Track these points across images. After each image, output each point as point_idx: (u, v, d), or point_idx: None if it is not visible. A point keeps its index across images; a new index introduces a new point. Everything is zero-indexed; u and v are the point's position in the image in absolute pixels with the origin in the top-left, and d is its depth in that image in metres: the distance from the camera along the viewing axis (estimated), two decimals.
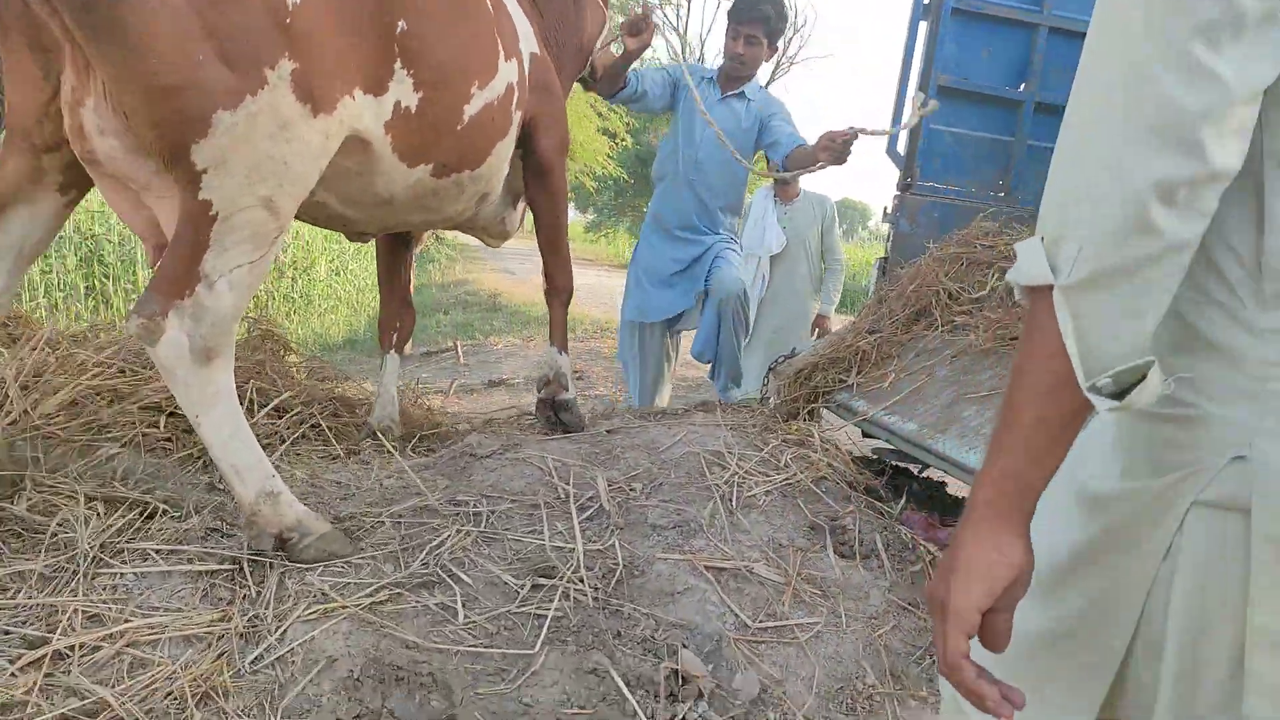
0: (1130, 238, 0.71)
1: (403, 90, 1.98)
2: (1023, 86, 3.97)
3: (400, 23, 1.90)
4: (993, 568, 0.79)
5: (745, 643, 1.87)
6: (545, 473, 2.42)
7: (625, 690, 1.71)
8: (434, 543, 2.10)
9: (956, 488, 2.98)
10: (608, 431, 2.79)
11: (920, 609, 2.02)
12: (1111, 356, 0.73)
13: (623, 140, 21.06)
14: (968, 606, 0.79)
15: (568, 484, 2.36)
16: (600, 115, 19.95)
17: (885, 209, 4.04)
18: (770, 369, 3.65)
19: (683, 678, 1.76)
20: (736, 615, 1.94)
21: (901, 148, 3.99)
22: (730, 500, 2.35)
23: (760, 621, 1.93)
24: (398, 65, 1.94)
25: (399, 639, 1.80)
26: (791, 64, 20.11)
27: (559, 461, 2.48)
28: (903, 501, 2.52)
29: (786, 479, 2.49)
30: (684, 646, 1.84)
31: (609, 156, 21.69)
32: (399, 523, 2.19)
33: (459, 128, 2.21)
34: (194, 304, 1.66)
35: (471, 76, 2.19)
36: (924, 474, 2.97)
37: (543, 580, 1.99)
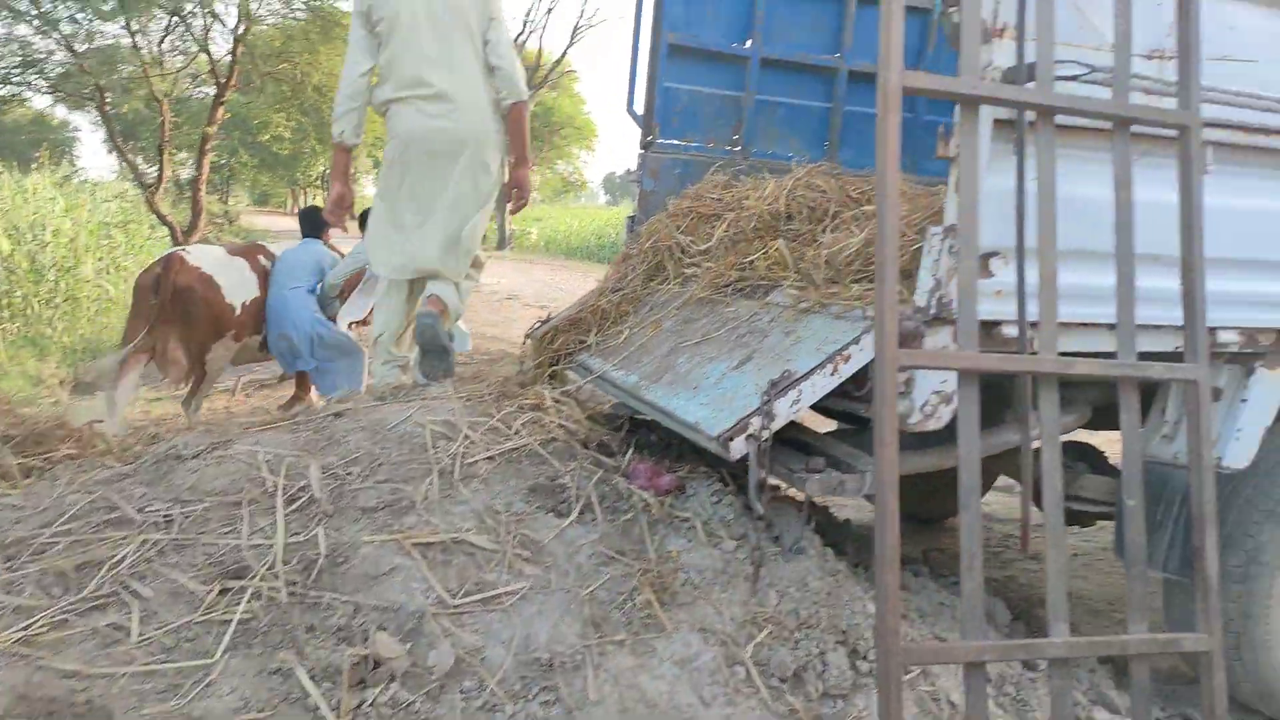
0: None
1: None
2: (748, 43, 4.11)
3: None
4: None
5: (447, 615, 1.85)
6: (253, 467, 2.29)
7: (308, 685, 1.65)
8: (115, 558, 1.94)
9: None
10: (334, 416, 2.68)
11: (626, 556, 2.08)
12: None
13: None
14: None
15: (277, 476, 2.25)
16: None
17: (628, 169, 4.10)
18: (526, 336, 3.64)
19: (375, 661, 1.72)
20: (440, 589, 1.91)
21: (640, 106, 4.05)
22: (451, 472, 2.31)
23: (465, 593, 1.92)
24: None
25: (56, 670, 1.65)
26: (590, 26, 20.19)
27: (271, 454, 2.35)
28: (629, 453, 2.57)
29: (515, 445, 2.48)
30: (381, 629, 1.80)
31: None
32: (76, 540, 2.01)
33: None
34: None
35: None
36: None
37: (233, 583, 1.88)
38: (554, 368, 3.16)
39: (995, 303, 1.98)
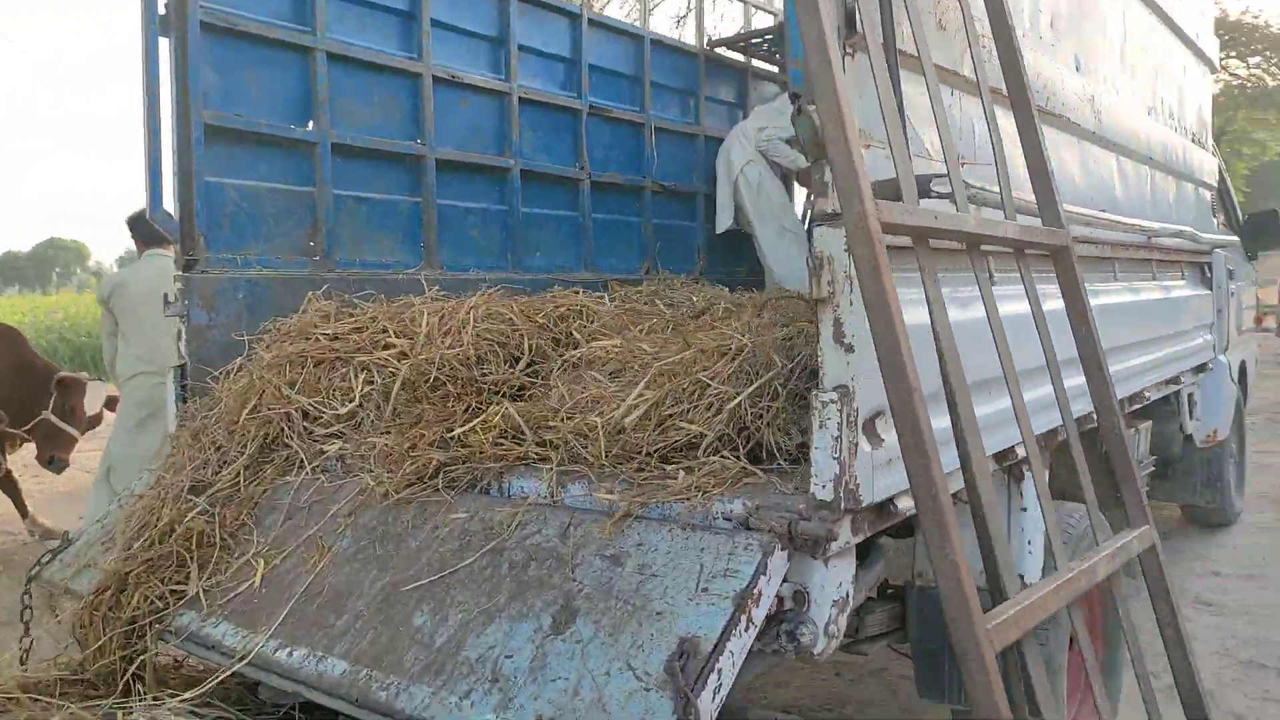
0: None
1: None
2: (311, 125, 3.18)
3: None
4: None
5: None
6: None
7: None
8: None
9: None
10: None
11: None
12: None
13: None
14: None
15: None
16: None
17: (166, 296, 2.83)
18: (26, 584, 2.24)
19: None
20: None
21: (172, 208, 2.85)
22: None
23: None
24: None
25: None
26: None
27: None
28: None
29: None
30: None
31: None
32: None
33: None
34: None
35: None
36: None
37: None
38: (139, 654, 1.89)
39: (889, 475, 1.54)
